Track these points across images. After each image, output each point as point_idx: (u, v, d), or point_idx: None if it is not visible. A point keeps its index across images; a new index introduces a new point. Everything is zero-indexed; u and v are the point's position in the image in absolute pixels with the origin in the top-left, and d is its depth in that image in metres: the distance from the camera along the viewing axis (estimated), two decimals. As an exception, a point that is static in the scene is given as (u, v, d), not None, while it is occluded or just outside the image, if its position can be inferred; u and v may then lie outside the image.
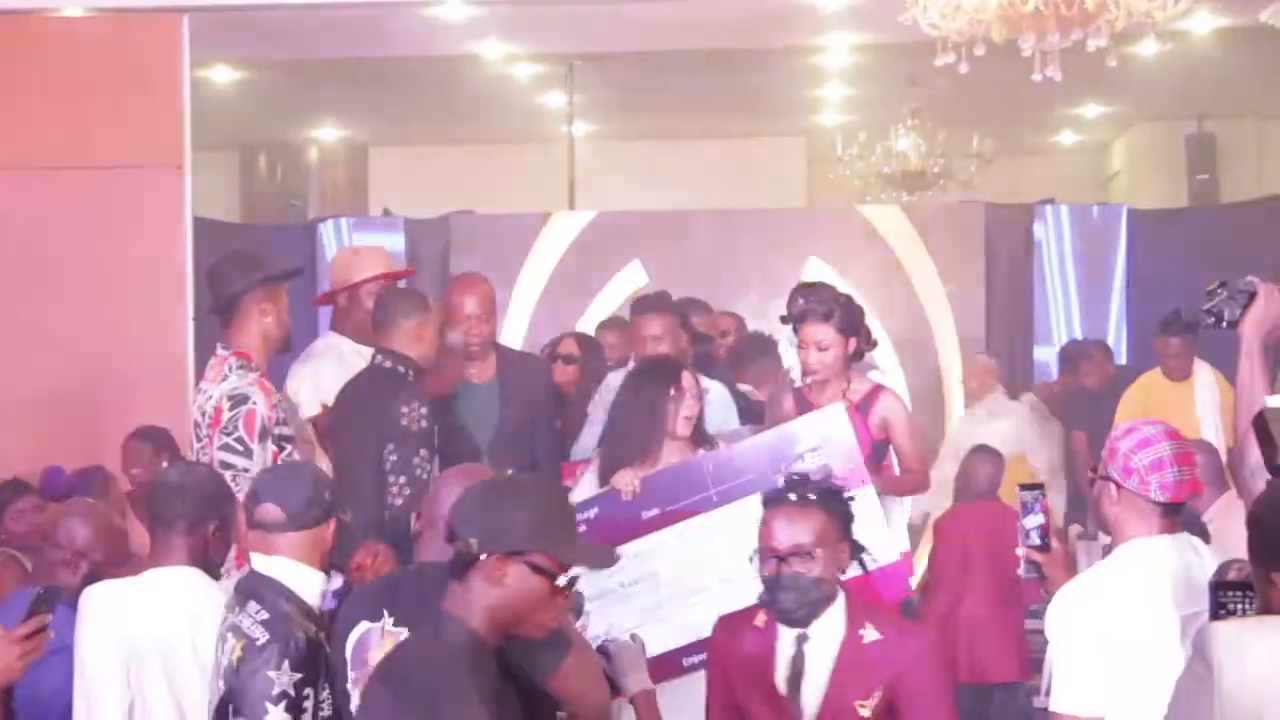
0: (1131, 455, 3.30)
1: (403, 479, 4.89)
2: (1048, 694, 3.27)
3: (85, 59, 7.09)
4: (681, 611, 4.85)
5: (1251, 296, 3.20)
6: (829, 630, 3.73)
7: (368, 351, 5.28)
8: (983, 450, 7.01)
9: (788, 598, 3.70)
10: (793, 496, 3.78)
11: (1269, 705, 2.39)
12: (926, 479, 5.49)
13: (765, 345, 6.83)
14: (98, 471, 5.80)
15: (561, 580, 2.78)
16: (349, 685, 3.31)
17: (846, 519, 3.82)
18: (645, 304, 6.06)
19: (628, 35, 8.60)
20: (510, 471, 3.06)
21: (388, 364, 5.05)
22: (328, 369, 5.45)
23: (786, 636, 3.75)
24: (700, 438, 5.19)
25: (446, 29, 8.09)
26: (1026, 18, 5.46)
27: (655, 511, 5.00)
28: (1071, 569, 3.58)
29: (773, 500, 3.83)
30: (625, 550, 4.77)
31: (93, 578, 3.93)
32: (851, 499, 3.91)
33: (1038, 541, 3.55)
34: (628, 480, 5.01)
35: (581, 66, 10.50)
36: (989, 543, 6.51)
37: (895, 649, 3.67)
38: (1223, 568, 2.85)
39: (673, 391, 5.08)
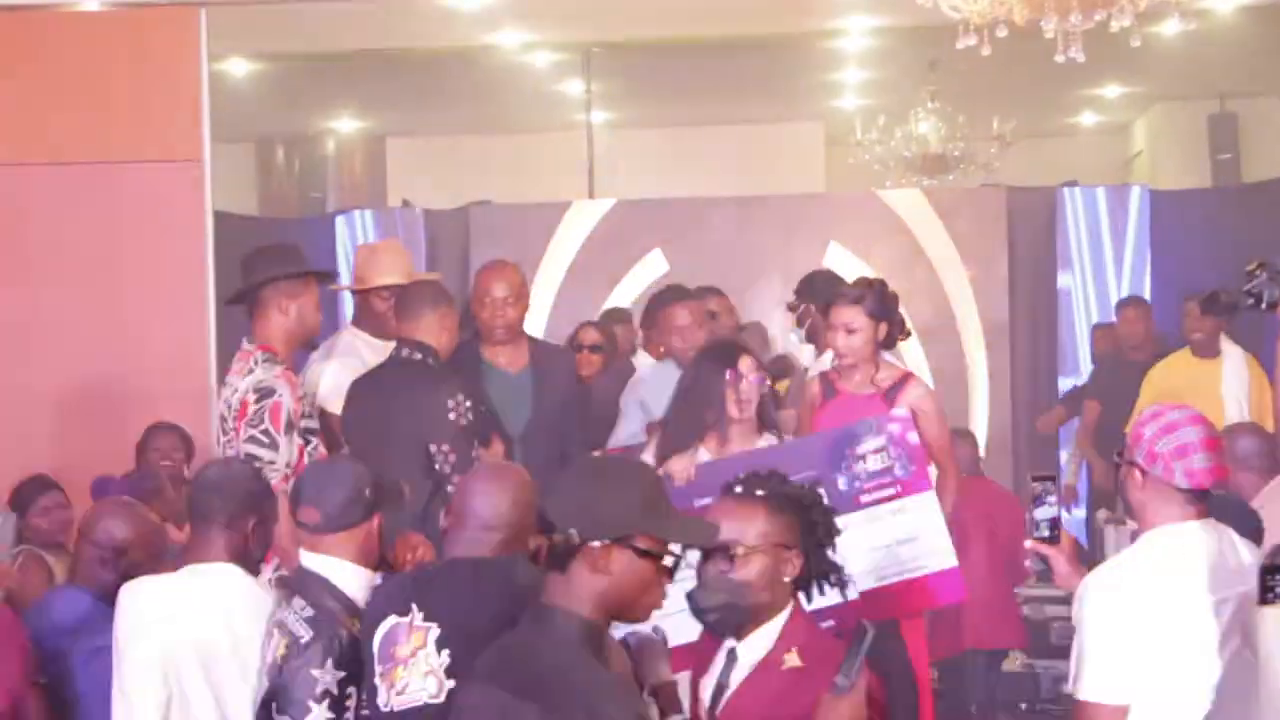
0: (1156, 441, 3.28)
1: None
2: (1075, 681, 3.24)
3: (103, 53, 7.08)
4: None
5: None
6: (754, 648, 3.35)
7: (383, 347, 5.27)
8: (956, 432, 7.10)
9: (703, 598, 3.34)
10: (738, 489, 3.46)
11: None
12: (958, 478, 5.44)
13: (786, 366, 6.84)
14: (148, 478, 5.80)
15: (668, 560, 2.69)
16: (376, 679, 3.30)
17: (805, 527, 3.43)
18: (669, 295, 6.06)
19: (645, 22, 8.57)
20: (597, 453, 2.93)
21: (412, 355, 5.05)
22: (342, 366, 5.46)
23: (722, 649, 3.41)
24: (767, 422, 5.14)
25: (463, 18, 8.07)
26: (1049, -1, 5.43)
27: (708, 500, 4.95)
28: (1078, 562, 3.54)
29: (722, 491, 3.52)
30: None
31: (129, 575, 3.93)
32: (818, 507, 3.51)
33: (1046, 533, 3.52)
34: (682, 466, 4.97)
35: (599, 54, 10.47)
36: (979, 517, 6.63)
37: (809, 684, 3.17)
38: (1275, 550, 2.82)
39: (729, 375, 5.03)
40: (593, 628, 2.64)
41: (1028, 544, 3.54)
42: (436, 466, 4.85)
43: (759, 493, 3.42)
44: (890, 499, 4.87)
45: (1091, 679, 3.21)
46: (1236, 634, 3.24)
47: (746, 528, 3.35)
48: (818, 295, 5.57)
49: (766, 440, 5.11)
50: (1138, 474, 3.31)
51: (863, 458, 4.81)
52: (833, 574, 3.46)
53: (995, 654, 7.27)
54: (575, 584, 2.63)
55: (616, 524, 2.64)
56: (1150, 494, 3.30)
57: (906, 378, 5.32)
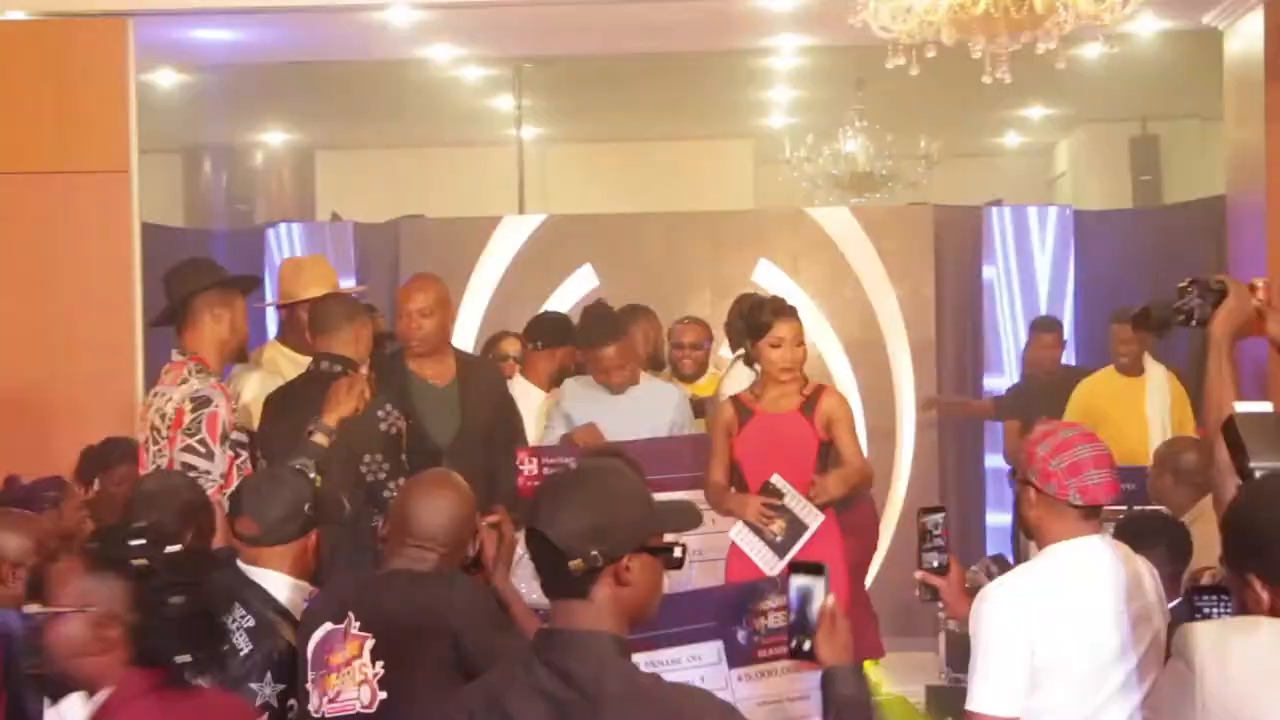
0: (1050, 459, 3.33)
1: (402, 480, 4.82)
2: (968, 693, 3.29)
3: (31, 64, 7.04)
4: None
5: (1222, 295, 3.20)
6: None
7: (305, 362, 5.27)
8: None
9: None
10: None
11: (1250, 705, 2.41)
12: (870, 469, 5.56)
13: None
14: (54, 481, 5.72)
15: (677, 552, 2.62)
16: (309, 684, 3.30)
17: None
18: (597, 335, 6.03)
19: (576, 38, 8.60)
20: (569, 463, 2.81)
21: (332, 367, 5.04)
22: (262, 379, 5.45)
23: None
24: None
25: (394, 32, 8.06)
26: (977, 20, 5.50)
27: None
28: (964, 592, 3.61)
29: None
30: None
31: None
32: None
33: (935, 565, 3.57)
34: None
35: (530, 70, 10.49)
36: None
37: None
38: (1195, 575, 2.89)
39: None
40: (626, 646, 2.57)
41: (917, 575, 3.61)
42: (369, 477, 4.84)
43: None
44: (786, 657, 4.91)
45: (980, 690, 3.26)
46: (1142, 646, 3.31)
47: None
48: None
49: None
50: (1032, 492, 3.36)
51: (764, 614, 4.84)
52: None
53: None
54: (599, 604, 2.54)
55: (635, 534, 2.56)
56: (1045, 511, 3.35)
57: (821, 389, 5.43)
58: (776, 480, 5.37)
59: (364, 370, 4.96)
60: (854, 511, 5.86)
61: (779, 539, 5.35)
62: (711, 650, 4.81)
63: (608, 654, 2.50)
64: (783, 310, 5.41)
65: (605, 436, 5.68)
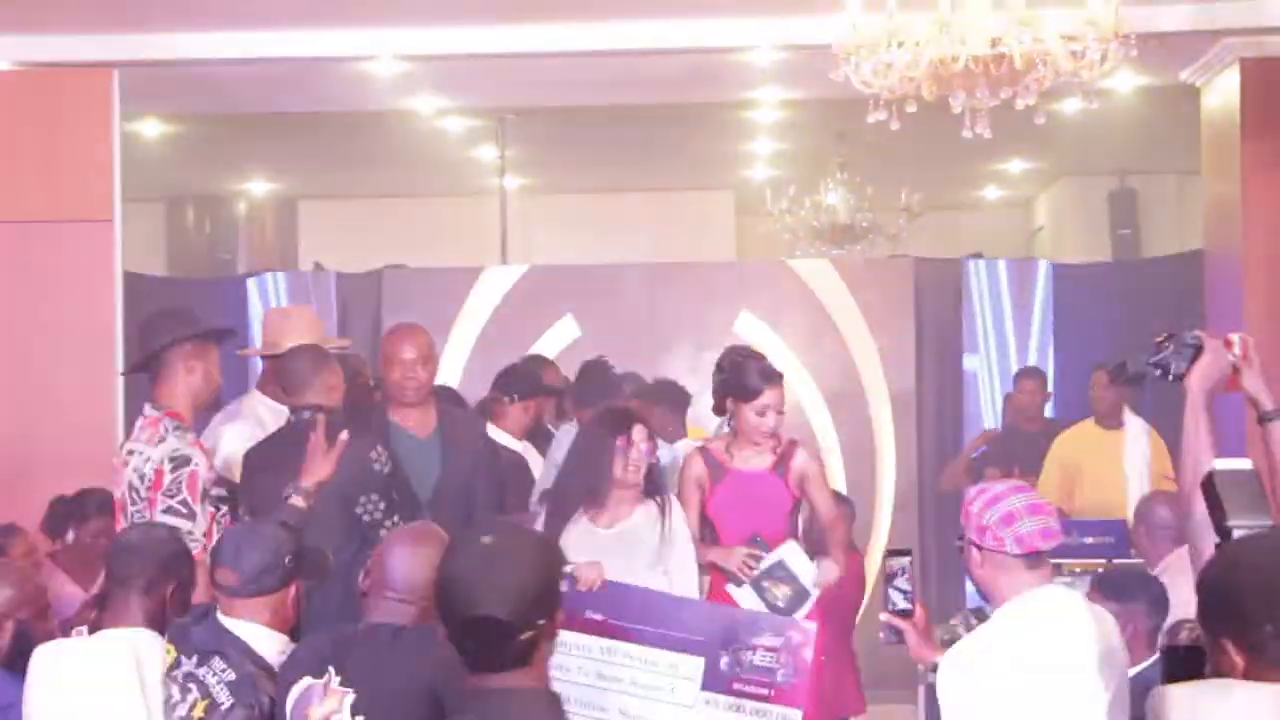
0: (983, 514, 3.36)
1: (398, 520, 4.84)
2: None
3: (14, 113, 7.06)
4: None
5: (1198, 350, 3.21)
6: None
7: (286, 412, 5.26)
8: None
9: None
10: None
11: None
12: (845, 522, 5.56)
13: (676, 393, 6.91)
14: (9, 529, 5.68)
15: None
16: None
17: None
18: (586, 393, 6.10)
19: (559, 90, 8.65)
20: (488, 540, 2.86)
21: (314, 417, 5.01)
22: (243, 430, 5.43)
23: None
24: (653, 489, 5.22)
25: (378, 83, 8.09)
26: (957, 76, 5.53)
27: (599, 616, 4.98)
28: (930, 636, 3.65)
29: None
30: None
31: (22, 637, 3.87)
32: None
33: (899, 607, 3.58)
34: (593, 575, 5.01)
35: (513, 120, 10.54)
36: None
37: None
38: (1173, 630, 2.89)
39: (620, 442, 5.12)
40: (558, 696, 2.69)
41: (883, 617, 3.63)
42: (365, 518, 4.84)
43: None
44: (758, 698, 4.93)
45: None
46: (1110, 691, 3.30)
47: None
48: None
49: (645, 508, 5.16)
50: (974, 551, 3.38)
51: (753, 649, 4.86)
52: None
53: None
54: (537, 665, 2.63)
55: (557, 591, 2.67)
56: (990, 569, 3.37)
57: (792, 446, 5.42)
58: (763, 546, 5.32)
59: (321, 418, 4.93)
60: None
61: (781, 604, 5.28)
62: (692, 665, 4.81)
63: (553, 711, 2.60)
64: (772, 377, 5.40)
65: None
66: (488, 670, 2.58)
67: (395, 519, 4.83)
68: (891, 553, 3.68)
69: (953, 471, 9.07)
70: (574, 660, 4.94)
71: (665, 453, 6.31)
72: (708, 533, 5.47)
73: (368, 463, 4.86)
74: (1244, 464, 2.87)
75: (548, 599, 2.61)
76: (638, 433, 5.17)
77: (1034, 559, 3.34)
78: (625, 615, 4.96)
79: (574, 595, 4.90)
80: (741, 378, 5.41)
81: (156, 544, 3.72)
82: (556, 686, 4.77)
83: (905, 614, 3.59)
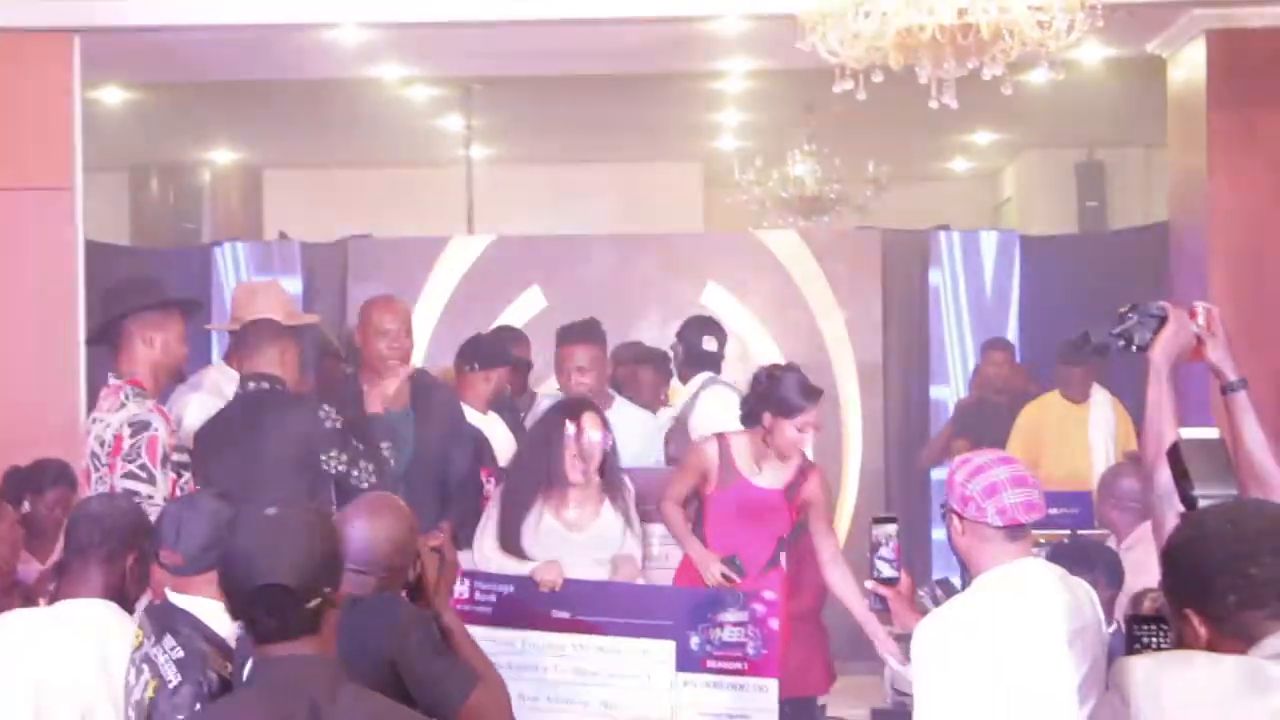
0: (967, 484, 3.36)
1: (368, 465, 4.86)
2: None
3: (-27, 79, 6.96)
4: (552, 716, 4.87)
5: (1162, 321, 3.20)
6: None
7: None
8: None
9: None
10: None
11: None
12: (836, 549, 5.54)
13: (660, 358, 6.92)
14: None
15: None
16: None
17: None
18: (571, 333, 6.09)
19: (526, 59, 8.59)
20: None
21: (260, 385, 5.02)
22: (206, 400, 5.42)
23: None
24: (612, 488, 5.20)
25: (343, 51, 8.02)
26: (924, 46, 5.51)
27: (566, 614, 5.00)
28: (914, 604, 3.65)
29: None
30: (523, 638, 4.80)
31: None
32: None
33: (884, 574, 3.58)
34: (552, 576, 5.00)
35: (479, 90, 10.48)
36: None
37: None
38: (1136, 600, 2.89)
39: (570, 432, 5.09)
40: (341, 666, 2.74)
41: (868, 584, 3.64)
42: (332, 470, 4.85)
43: None
44: (733, 673, 4.96)
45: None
46: (1084, 666, 3.31)
47: None
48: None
49: (610, 512, 5.15)
50: (956, 520, 3.38)
51: (721, 626, 4.89)
52: None
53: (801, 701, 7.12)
54: (325, 633, 2.70)
55: (342, 560, 2.80)
56: (971, 538, 3.37)
57: (811, 470, 5.41)
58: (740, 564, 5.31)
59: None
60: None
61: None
62: (663, 649, 4.83)
63: (340, 677, 2.65)
64: (813, 394, 5.37)
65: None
66: (278, 639, 2.66)
67: (364, 464, 4.84)
68: (878, 520, 3.66)
69: (933, 446, 9.11)
70: (549, 660, 4.96)
71: (649, 421, 6.33)
72: (693, 511, 5.45)
73: (318, 423, 4.91)
74: (1211, 433, 2.85)
75: (332, 567, 2.72)
76: (588, 419, 5.14)
77: (1015, 531, 3.34)
78: (591, 610, 4.99)
79: (538, 596, 4.91)
80: (782, 393, 5.33)
81: (119, 514, 3.68)
82: (537, 687, 4.81)
83: (890, 581, 3.58)
